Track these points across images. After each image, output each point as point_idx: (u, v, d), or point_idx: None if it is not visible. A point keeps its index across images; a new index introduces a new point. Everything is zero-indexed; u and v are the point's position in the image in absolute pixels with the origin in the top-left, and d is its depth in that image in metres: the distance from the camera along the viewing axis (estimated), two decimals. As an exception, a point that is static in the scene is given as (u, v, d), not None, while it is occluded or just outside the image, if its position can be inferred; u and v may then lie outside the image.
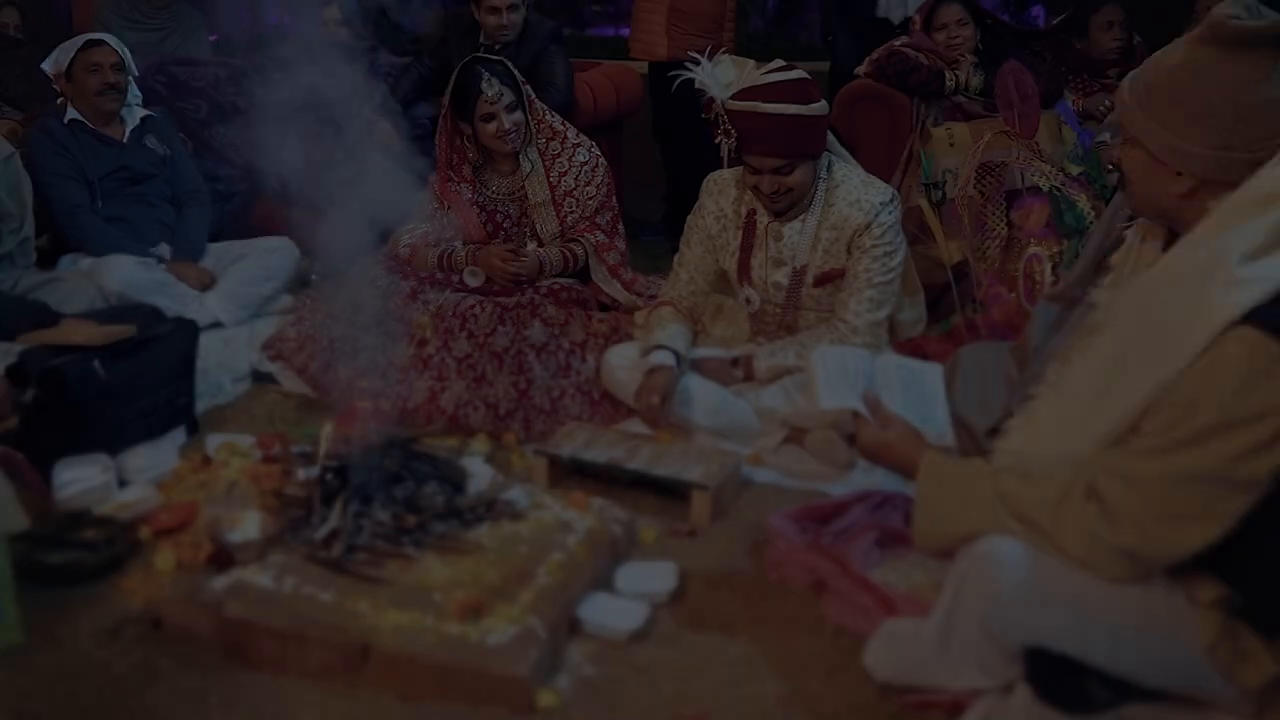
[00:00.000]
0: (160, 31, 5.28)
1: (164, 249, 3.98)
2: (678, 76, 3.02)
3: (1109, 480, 1.72)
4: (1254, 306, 1.63)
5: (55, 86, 4.08)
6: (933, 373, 2.35)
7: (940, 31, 4.49)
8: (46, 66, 4.06)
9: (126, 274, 3.71)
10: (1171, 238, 1.92)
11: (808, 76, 2.95)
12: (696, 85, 2.96)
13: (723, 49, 5.17)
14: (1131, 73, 1.93)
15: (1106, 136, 4.16)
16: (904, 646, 2.00)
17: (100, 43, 4.02)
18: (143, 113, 4.19)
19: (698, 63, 2.97)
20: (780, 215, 3.04)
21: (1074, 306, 2.22)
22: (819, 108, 2.91)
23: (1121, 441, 1.74)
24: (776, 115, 2.85)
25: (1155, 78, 1.85)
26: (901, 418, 2.14)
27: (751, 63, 2.97)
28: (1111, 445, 1.75)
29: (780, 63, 2.97)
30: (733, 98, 2.90)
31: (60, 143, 3.95)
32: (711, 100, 2.94)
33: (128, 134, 4.10)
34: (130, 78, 4.12)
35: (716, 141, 2.97)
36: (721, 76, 2.92)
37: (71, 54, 3.98)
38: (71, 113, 4.01)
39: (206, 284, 3.97)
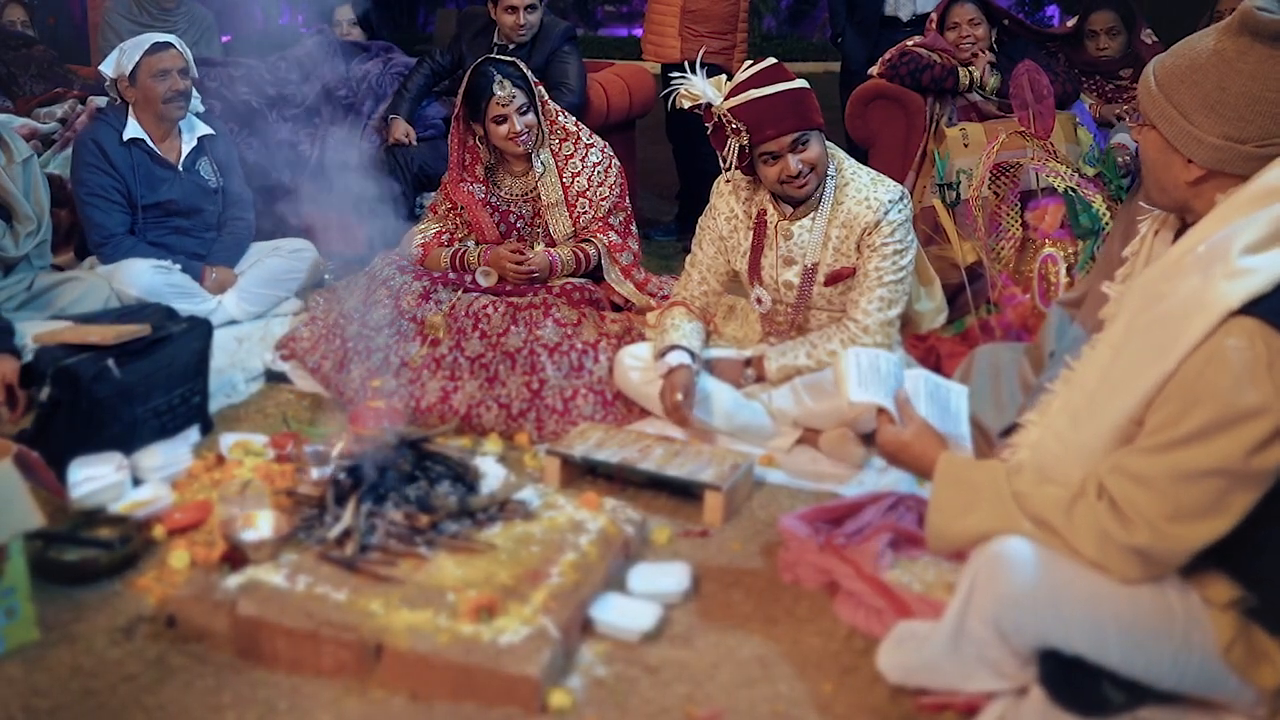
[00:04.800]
0: (171, 33, 5.30)
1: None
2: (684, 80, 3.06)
3: (1118, 480, 1.72)
4: (1253, 297, 1.62)
5: (114, 91, 3.91)
6: (959, 393, 2.37)
7: (952, 30, 4.49)
8: (106, 69, 3.89)
9: (144, 279, 3.71)
10: (1183, 230, 1.92)
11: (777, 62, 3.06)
12: (688, 108, 3.04)
13: (736, 49, 5.21)
14: (1158, 56, 1.92)
15: (1123, 137, 4.15)
16: (917, 648, 1.99)
17: (168, 45, 3.86)
18: (203, 131, 4.03)
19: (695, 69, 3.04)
20: (799, 205, 3.05)
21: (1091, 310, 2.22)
22: (802, 82, 3.01)
23: (1128, 435, 1.74)
24: (776, 94, 2.94)
25: (1178, 63, 1.84)
26: (923, 419, 2.14)
27: (722, 76, 3.07)
28: (1118, 438, 1.75)
29: (748, 64, 3.04)
30: (728, 97, 2.97)
31: (110, 162, 3.81)
32: (709, 107, 2.97)
33: (183, 158, 3.96)
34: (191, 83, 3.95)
35: (724, 153, 3.00)
36: (709, 89, 2.98)
37: (136, 57, 3.81)
38: (133, 128, 3.86)
39: (227, 286, 3.99)
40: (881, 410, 2.18)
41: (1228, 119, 1.77)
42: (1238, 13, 1.78)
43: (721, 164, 3.06)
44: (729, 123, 2.95)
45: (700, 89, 3.00)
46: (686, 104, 3.04)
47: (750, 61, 3.03)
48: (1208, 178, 1.82)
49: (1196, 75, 1.80)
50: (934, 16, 4.62)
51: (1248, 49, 1.77)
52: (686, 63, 3.12)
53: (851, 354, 2.28)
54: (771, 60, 3.03)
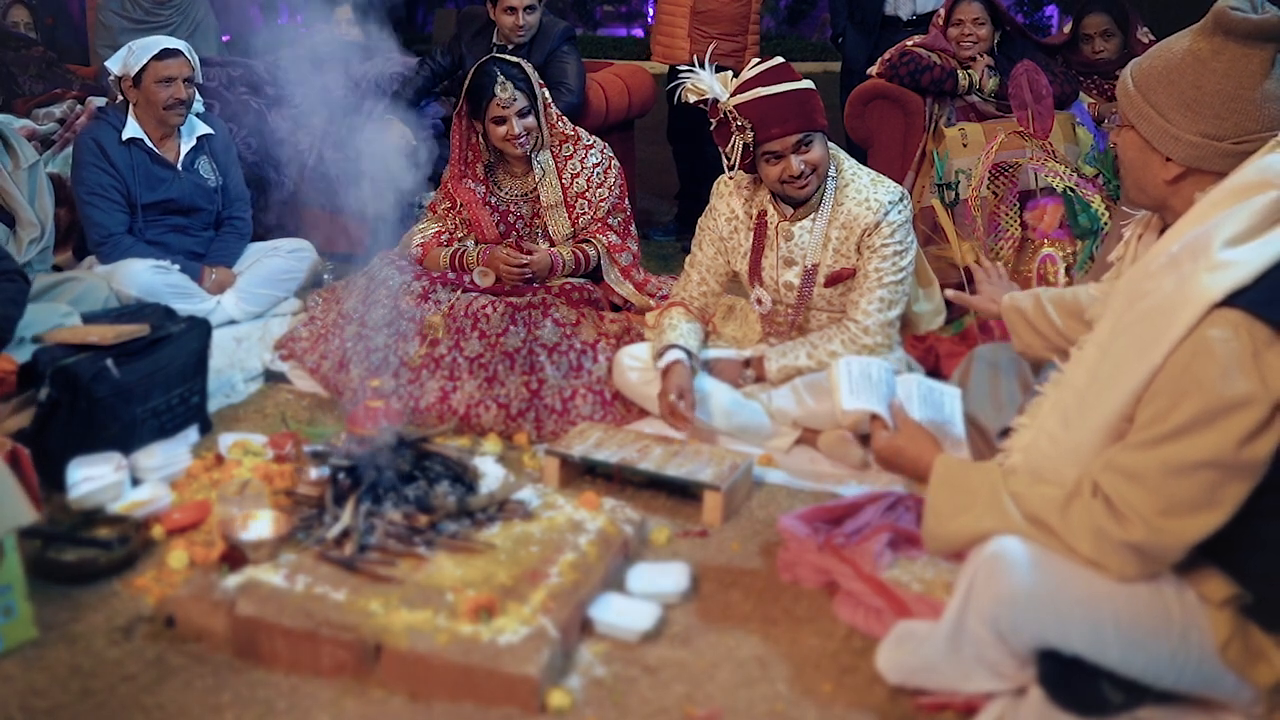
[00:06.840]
0: (166, 28, 5.27)
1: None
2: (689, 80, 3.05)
3: (1110, 477, 1.72)
4: (1236, 288, 1.64)
5: (116, 88, 3.93)
6: (952, 395, 2.37)
7: (955, 28, 4.49)
8: (112, 65, 3.90)
9: (142, 279, 3.71)
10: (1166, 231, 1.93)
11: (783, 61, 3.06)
12: (694, 101, 3.03)
13: (746, 51, 5.20)
14: (1135, 59, 1.97)
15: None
16: (916, 648, 1.99)
17: (176, 53, 3.86)
18: (202, 130, 4.04)
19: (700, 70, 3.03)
20: (799, 206, 3.05)
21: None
22: (809, 83, 3.01)
23: (1119, 432, 1.74)
24: (782, 93, 2.94)
25: (1154, 64, 1.89)
26: (917, 423, 2.15)
27: (728, 73, 3.06)
28: (1110, 436, 1.76)
29: (755, 62, 3.04)
30: (734, 94, 2.97)
31: (110, 161, 3.82)
32: (715, 103, 2.97)
33: (182, 157, 3.97)
34: (195, 85, 3.95)
35: (728, 151, 3.00)
36: (716, 84, 2.98)
37: (144, 60, 3.82)
38: (132, 128, 3.87)
39: (226, 286, 3.99)
40: (875, 416, 2.19)
41: (1204, 117, 1.81)
42: (1211, 13, 1.82)
43: (725, 162, 3.06)
44: (734, 119, 2.95)
45: (707, 84, 2.99)
46: (692, 98, 3.03)
47: (757, 60, 3.03)
48: (1186, 175, 1.86)
49: (1173, 75, 1.84)
50: (941, 11, 4.63)
51: (1221, 48, 1.81)
52: (695, 59, 3.11)
53: (842, 364, 2.30)
54: (779, 59, 3.03)
